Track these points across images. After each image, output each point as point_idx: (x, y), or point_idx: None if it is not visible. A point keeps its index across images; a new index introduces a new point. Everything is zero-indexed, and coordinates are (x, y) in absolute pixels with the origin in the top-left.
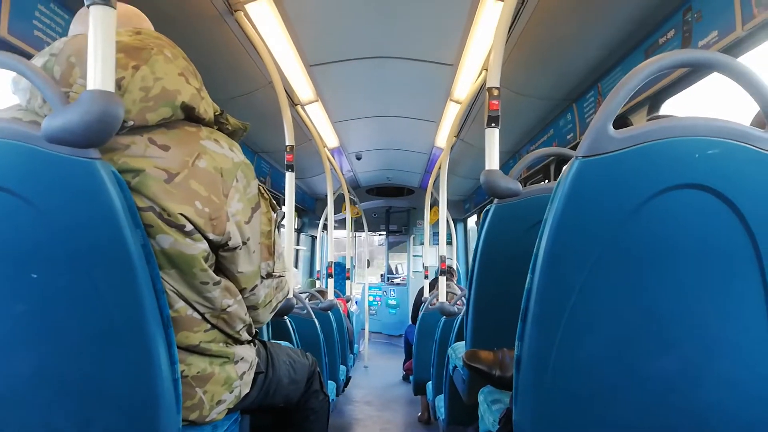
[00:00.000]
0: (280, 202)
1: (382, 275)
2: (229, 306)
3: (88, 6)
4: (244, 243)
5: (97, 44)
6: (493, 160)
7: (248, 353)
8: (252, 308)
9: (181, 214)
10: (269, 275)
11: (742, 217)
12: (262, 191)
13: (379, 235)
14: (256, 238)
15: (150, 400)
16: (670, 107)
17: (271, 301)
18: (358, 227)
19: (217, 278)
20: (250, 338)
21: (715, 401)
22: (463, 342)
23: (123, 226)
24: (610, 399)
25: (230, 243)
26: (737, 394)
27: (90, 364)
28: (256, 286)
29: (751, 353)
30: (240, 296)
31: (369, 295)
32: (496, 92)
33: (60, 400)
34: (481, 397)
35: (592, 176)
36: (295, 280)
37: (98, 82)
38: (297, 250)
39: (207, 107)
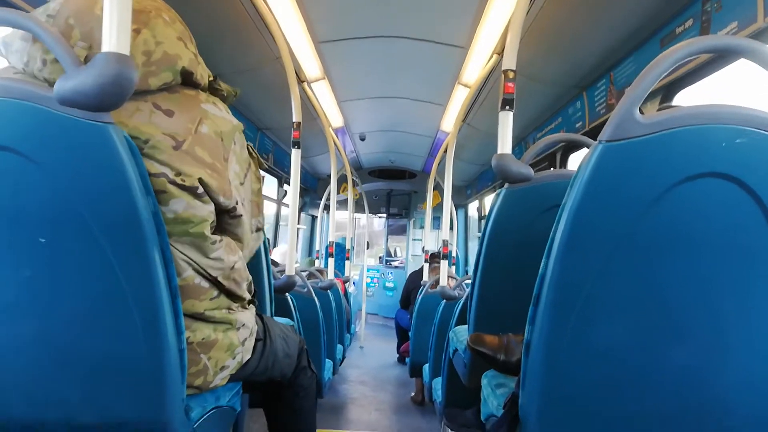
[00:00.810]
0: (282, 179)
1: (380, 257)
2: (235, 263)
3: None
4: (242, 204)
5: (113, 6)
6: (505, 144)
7: (249, 320)
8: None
9: (200, 179)
10: (258, 230)
11: (766, 209)
12: (251, 151)
13: (380, 217)
14: (249, 197)
15: (156, 370)
16: (681, 99)
17: (252, 251)
18: (358, 209)
19: (218, 236)
20: (250, 296)
21: (728, 395)
22: (465, 326)
23: (134, 192)
24: (621, 387)
25: (237, 209)
26: (751, 390)
27: (96, 332)
28: (248, 242)
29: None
30: (240, 252)
31: (367, 277)
32: (511, 75)
33: (64, 369)
34: (484, 381)
35: (615, 161)
36: (278, 254)
37: (113, 45)
38: (298, 229)
39: (203, 72)
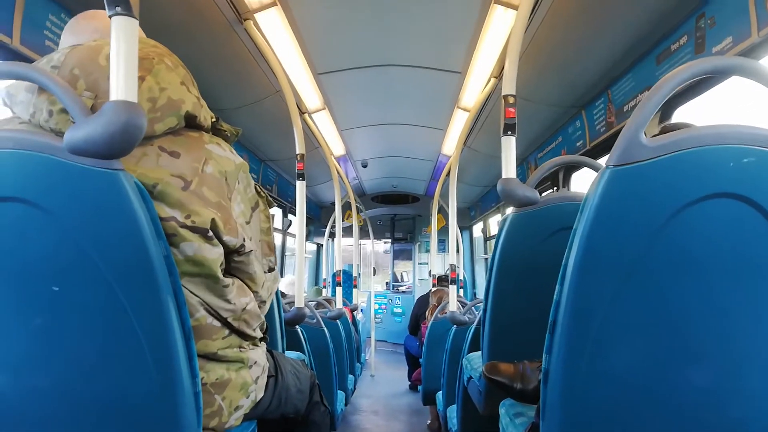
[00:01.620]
0: (286, 208)
1: (387, 283)
2: (247, 304)
3: (110, 17)
4: (250, 242)
5: (120, 55)
6: (510, 168)
7: (260, 357)
8: (261, 303)
9: (212, 220)
10: (271, 270)
11: None
12: (259, 190)
13: (385, 242)
14: (257, 236)
15: (171, 415)
16: (680, 115)
17: (272, 293)
18: (363, 235)
19: (230, 279)
20: (261, 334)
21: (747, 416)
22: (478, 352)
23: (146, 237)
24: (640, 413)
25: (246, 246)
26: None
27: (111, 378)
28: (264, 282)
29: None
30: (252, 294)
31: (375, 303)
32: (512, 100)
33: (78, 416)
34: (502, 410)
35: (624, 185)
36: (284, 285)
37: (121, 93)
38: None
39: (206, 114)
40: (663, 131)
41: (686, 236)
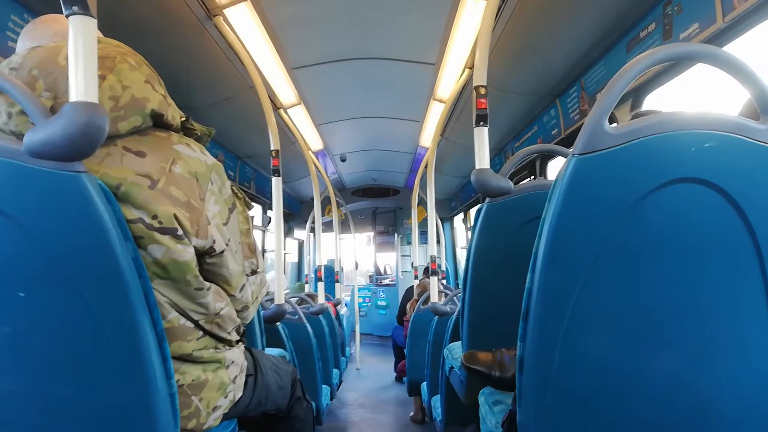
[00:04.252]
0: (265, 205)
1: (370, 276)
2: (221, 309)
3: (67, 16)
4: (226, 245)
5: (78, 55)
6: (483, 159)
7: (238, 357)
8: (244, 307)
9: (174, 216)
10: (254, 272)
11: (741, 210)
12: (236, 191)
13: (367, 236)
14: (236, 238)
15: (147, 418)
16: (651, 101)
17: (258, 297)
18: (344, 229)
19: (207, 283)
20: (238, 337)
21: (719, 396)
22: (459, 342)
23: (113, 239)
24: (616, 396)
25: (216, 247)
26: (741, 388)
27: (82, 384)
28: (244, 285)
29: (753, 347)
30: (228, 298)
31: (358, 297)
32: (483, 91)
33: (52, 421)
34: (481, 399)
35: (589, 173)
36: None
37: (80, 94)
38: (285, 254)
39: (174, 113)
40: (635, 118)
41: (651, 222)
